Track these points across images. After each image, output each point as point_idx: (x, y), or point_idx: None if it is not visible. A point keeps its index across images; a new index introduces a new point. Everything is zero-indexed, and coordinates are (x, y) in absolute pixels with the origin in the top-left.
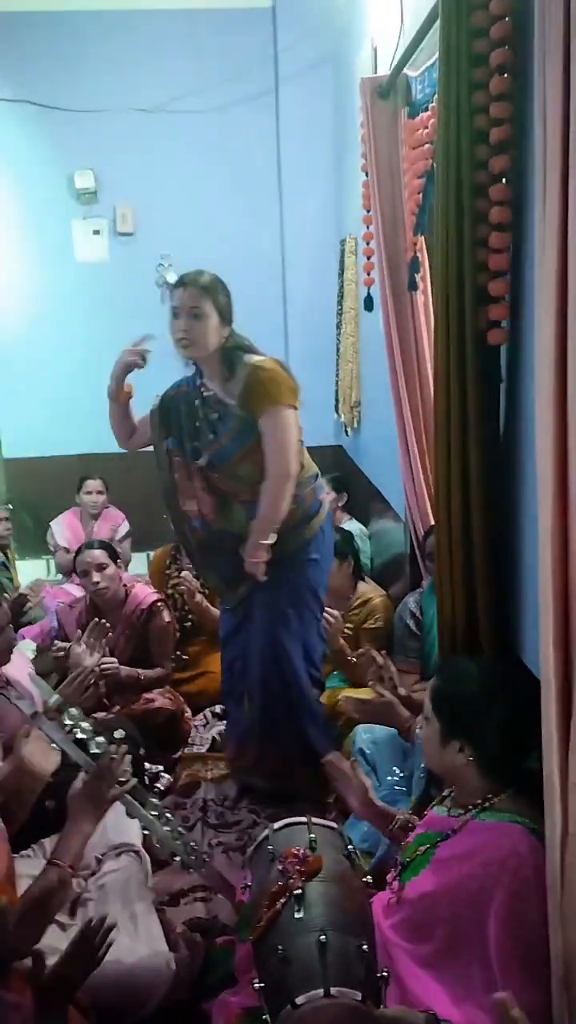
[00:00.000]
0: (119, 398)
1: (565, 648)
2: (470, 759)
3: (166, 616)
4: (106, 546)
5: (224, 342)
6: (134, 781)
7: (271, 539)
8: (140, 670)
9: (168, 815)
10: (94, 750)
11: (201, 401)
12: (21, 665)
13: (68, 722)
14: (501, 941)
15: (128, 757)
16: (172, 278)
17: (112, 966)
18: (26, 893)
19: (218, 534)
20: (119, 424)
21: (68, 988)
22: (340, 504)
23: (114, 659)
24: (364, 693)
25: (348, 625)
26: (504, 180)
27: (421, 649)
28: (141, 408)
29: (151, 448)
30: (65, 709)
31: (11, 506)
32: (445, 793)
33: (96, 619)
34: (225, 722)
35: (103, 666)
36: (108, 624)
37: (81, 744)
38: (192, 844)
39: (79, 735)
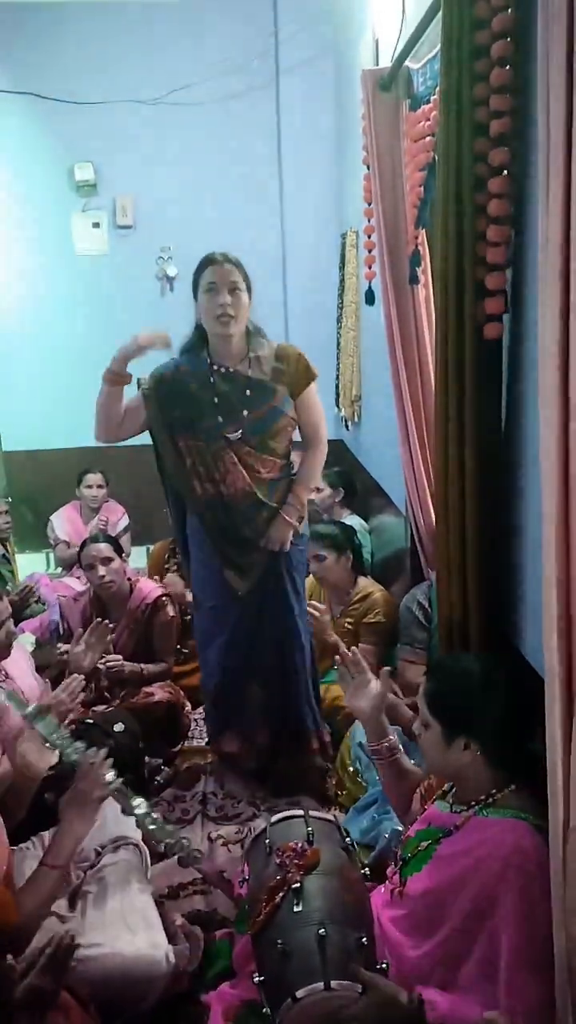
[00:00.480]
0: (121, 380)
1: (568, 643)
2: (477, 754)
3: (170, 611)
4: (111, 540)
5: (248, 320)
6: (118, 782)
7: (305, 501)
8: (143, 665)
9: (154, 814)
10: (73, 757)
11: (220, 378)
12: (20, 660)
13: (42, 732)
14: (506, 938)
15: (110, 759)
16: (172, 271)
17: (112, 959)
18: (24, 900)
19: (240, 513)
20: (112, 409)
21: (42, 1001)
22: (338, 499)
23: (119, 656)
24: None
25: (348, 620)
26: (504, 173)
27: (429, 640)
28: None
29: (149, 442)
30: (41, 719)
31: (10, 499)
32: (446, 788)
33: (98, 619)
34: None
35: (108, 665)
36: (110, 622)
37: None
38: (184, 840)
39: (57, 742)
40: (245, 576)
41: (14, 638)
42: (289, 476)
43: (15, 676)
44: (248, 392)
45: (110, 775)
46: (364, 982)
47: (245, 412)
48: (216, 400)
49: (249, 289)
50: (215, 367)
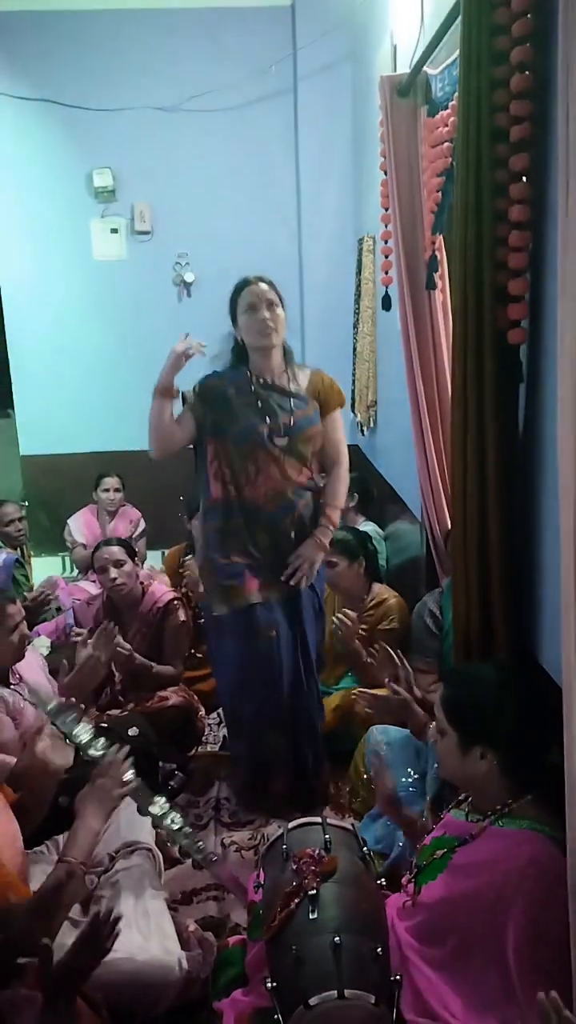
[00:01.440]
0: (170, 393)
1: None
2: (493, 763)
3: (182, 615)
4: (124, 543)
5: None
6: (138, 781)
7: (338, 520)
8: (153, 663)
9: (176, 814)
10: (96, 753)
11: (261, 387)
12: (34, 662)
13: (63, 728)
14: (521, 949)
15: (130, 758)
16: (189, 277)
17: (124, 964)
18: (39, 889)
19: (266, 517)
20: (166, 423)
21: (76, 980)
22: (353, 504)
23: (128, 645)
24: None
25: (363, 626)
26: (524, 179)
27: (440, 649)
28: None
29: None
30: (62, 715)
31: (27, 503)
32: (462, 796)
33: (104, 622)
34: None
35: (117, 650)
36: (117, 626)
37: (82, 747)
38: (199, 843)
39: (80, 738)
40: (273, 588)
41: (29, 642)
42: (315, 487)
43: (28, 678)
44: (290, 400)
45: (130, 774)
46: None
47: (287, 417)
48: (259, 404)
49: (283, 306)
50: (256, 378)
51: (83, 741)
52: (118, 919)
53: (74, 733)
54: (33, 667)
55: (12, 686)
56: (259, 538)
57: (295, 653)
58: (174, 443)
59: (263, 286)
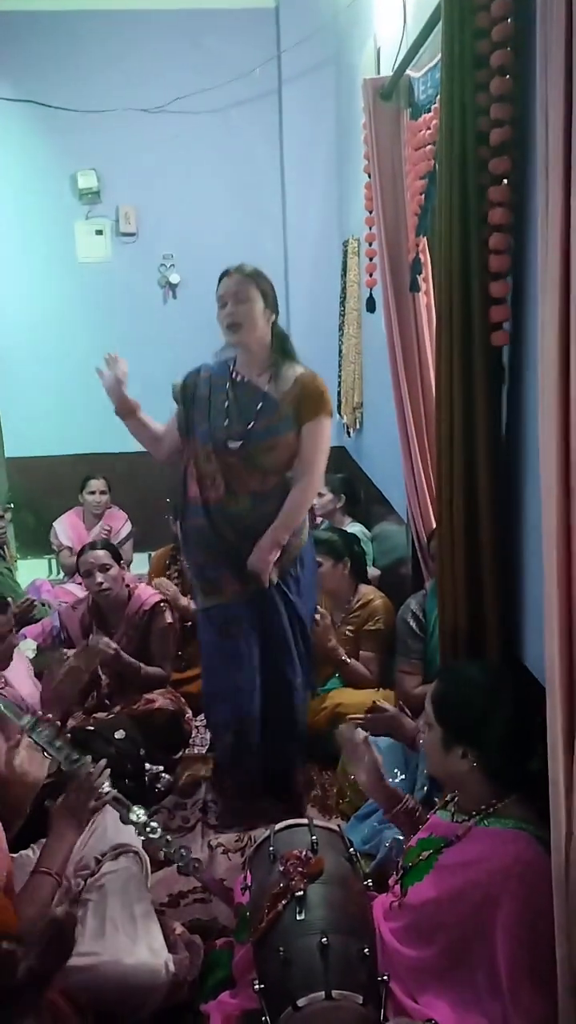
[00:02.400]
0: (129, 411)
1: (570, 652)
2: (474, 765)
3: (168, 617)
4: (109, 547)
5: (271, 329)
6: (113, 792)
7: (284, 541)
8: (141, 664)
9: (152, 823)
10: (69, 765)
11: (231, 384)
12: (20, 667)
13: (39, 741)
14: (509, 949)
15: (107, 770)
16: (174, 278)
17: (111, 967)
18: (22, 908)
19: (225, 520)
20: (145, 436)
21: (41, 983)
22: (339, 505)
23: (114, 643)
24: (361, 696)
25: (349, 627)
26: (505, 182)
27: (423, 650)
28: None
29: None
30: (36, 729)
31: (12, 505)
32: (448, 798)
33: (91, 636)
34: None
35: (101, 645)
36: (109, 628)
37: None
38: (184, 849)
39: (51, 753)
40: (231, 585)
41: (15, 646)
42: (279, 498)
43: (13, 682)
44: (258, 404)
45: (106, 785)
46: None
47: (250, 423)
48: (227, 406)
49: (268, 299)
50: (234, 375)
51: (57, 754)
52: (73, 918)
53: (50, 744)
54: (19, 672)
55: None
56: (224, 539)
57: (269, 652)
58: (166, 446)
59: (235, 277)
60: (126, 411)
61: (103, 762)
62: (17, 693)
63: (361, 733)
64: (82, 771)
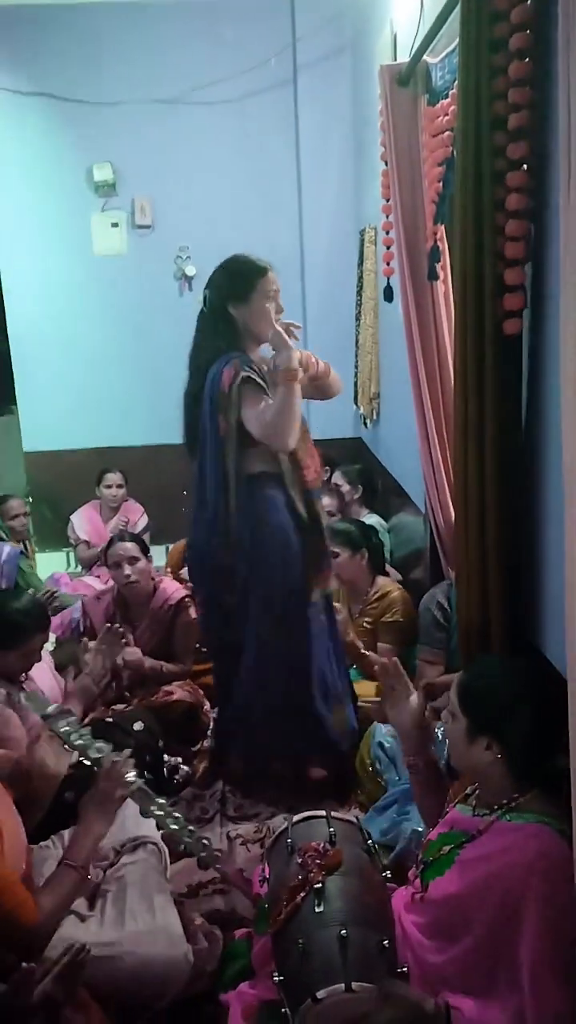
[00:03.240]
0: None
1: None
2: (498, 756)
3: (192, 613)
4: (138, 539)
5: None
6: (140, 782)
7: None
8: (163, 663)
9: (175, 814)
10: (95, 755)
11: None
12: (42, 661)
13: (61, 733)
14: (532, 945)
15: (132, 759)
16: (191, 271)
17: (130, 957)
18: (44, 900)
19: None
20: (297, 410)
21: (54, 1007)
22: (357, 496)
23: (138, 650)
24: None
25: (367, 619)
26: (523, 167)
27: (447, 641)
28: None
29: (168, 442)
30: (62, 719)
31: (31, 499)
32: (468, 791)
33: (107, 624)
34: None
35: (127, 659)
36: (133, 621)
37: (80, 749)
38: (204, 841)
39: (77, 742)
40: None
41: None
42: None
43: (34, 676)
44: None
45: (132, 775)
46: (388, 994)
47: None
48: None
49: None
50: (255, 367)
51: (81, 745)
52: (87, 957)
53: (71, 738)
54: (39, 666)
55: (19, 683)
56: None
57: (283, 644)
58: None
59: (274, 274)
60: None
61: (127, 751)
62: (38, 687)
63: (403, 678)
64: (109, 761)
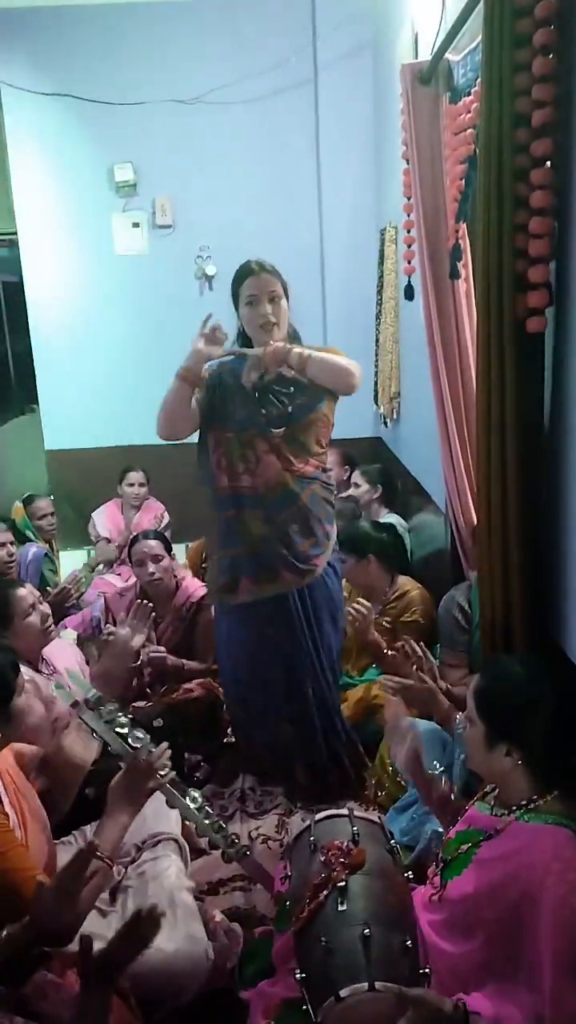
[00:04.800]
0: (195, 380)
1: None
2: (518, 763)
3: (213, 610)
4: (161, 537)
5: (289, 325)
6: (172, 774)
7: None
8: (184, 660)
9: (208, 807)
10: (133, 743)
11: (259, 377)
12: (71, 655)
13: (106, 716)
14: (551, 947)
15: (168, 751)
16: (211, 270)
17: (152, 954)
18: (59, 871)
19: (267, 505)
20: (180, 407)
21: (113, 971)
22: (377, 496)
23: (162, 648)
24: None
25: (386, 619)
26: (548, 164)
27: (469, 643)
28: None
29: (189, 441)
30: (103, 703)
31: (53, 497)
32: (487, 789)
33: (140, 600)
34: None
35: (152, 656)
36: (154, 611)
37: (120, 736)
38: (234, 836)
39: (117, 729)
40: (265, 580)
41: (56, 635)
42: (321, 480)
43: (63, 665)
44: (290, 388)
45: (166, 767)
46: (409, 998)
47: (289, 407)
48: (256, 394)
49: (287, 295)
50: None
51: (121, 731)
52: (162, 914)
53: (114, 720)
54: (70, 659)
55: (46, 676)
56: (259, 529)
57: (296, 649)
58: (181, 427)
59: (264, 276)
60: (187, 374)
61: (165, 743)
62: (67, 682)
63: (406, 719)
64: (146, 751)
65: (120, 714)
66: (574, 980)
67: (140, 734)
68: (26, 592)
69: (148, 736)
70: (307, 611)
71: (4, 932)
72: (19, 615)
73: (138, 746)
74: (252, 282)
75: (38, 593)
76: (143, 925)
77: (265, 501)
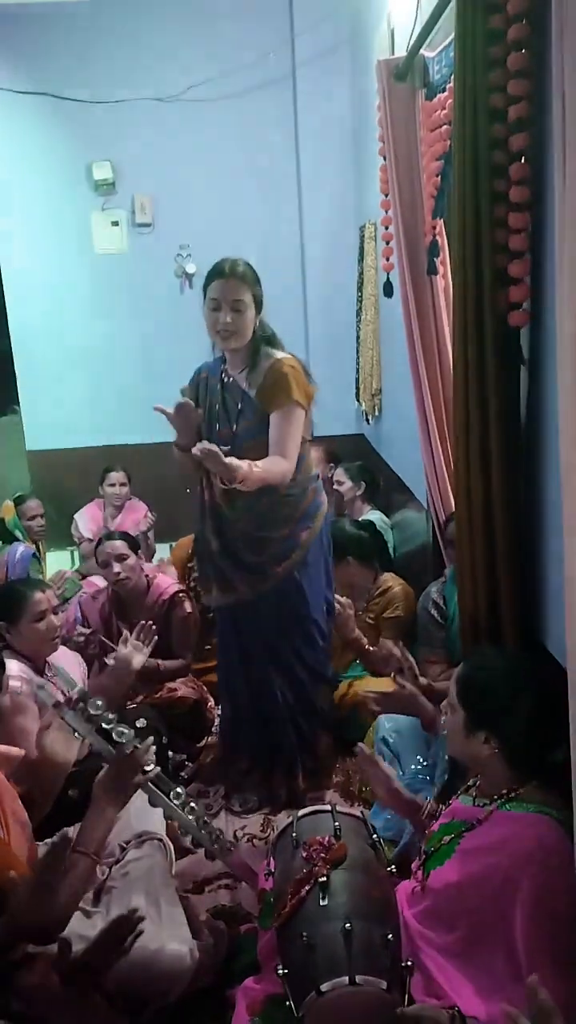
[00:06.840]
0: (188, 446)
1: None
2: (495, 750)
3: (188, 606)
4: (126, 536)
5: (255, 332)
6: (157, 769)
7: (239, 475)
8: (159, 661)
9: (192, 804)
10: (118, 739)
11: (222, 387)
12: (72, 659)
13: (93, 712)
14: (529, 932)
15: (152, 747)
16: (191, 268)
17: (137, 953)
18: (35, 864)
19: (217, 523)
20: (190, 462)
21: (93, 974)
22: (359, 493)
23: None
24: (384, 683)
25: (370, 615)
26: (523, 159)
27: (446, 639)
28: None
29: (170, 440)
30: (88, 699)
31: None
32: (470, 783)
33: (144, 621)
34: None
35: (117, 656)
36: (130, 618)
37: (105, 734)
38: (218, 833)
39: (104, 725)
40: (231, 586)
41: (58, 625)
42: (271, 497)
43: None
44: (239, 405)
45: (151, 763)
46: (407, 1017)
47: (235, 426)
48: (217, 408)
49: (258, 302)
50: (224, 375)
51: (106, 726)
52: (141, 918)
53: (100, 717)
54: (70, 663)
55: (48, 678)
56: (214, 542)
57: (266, 651)
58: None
59: (232, 282)
60: (184, 445)
61: (150, 739)
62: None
63: (367, 749)
64: (130, 747)
65: (107, 710)
66: (555, 967)
67: (124, 729)
68: (43, 598)
69: (133, 731)
70: (276, 614)
71: None
72: (29, 617)
73: (123, 741)
74: (218, 286)
75: (56, 603)
76: (122, 931)
77: (226, 512)
